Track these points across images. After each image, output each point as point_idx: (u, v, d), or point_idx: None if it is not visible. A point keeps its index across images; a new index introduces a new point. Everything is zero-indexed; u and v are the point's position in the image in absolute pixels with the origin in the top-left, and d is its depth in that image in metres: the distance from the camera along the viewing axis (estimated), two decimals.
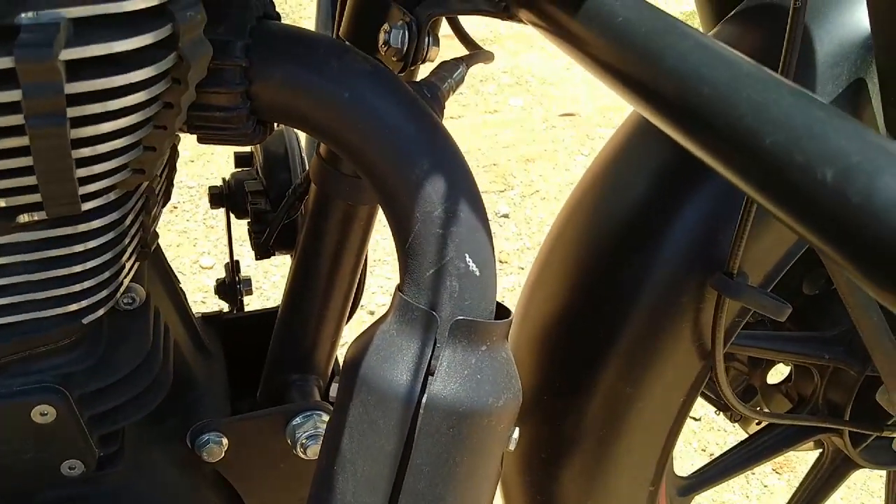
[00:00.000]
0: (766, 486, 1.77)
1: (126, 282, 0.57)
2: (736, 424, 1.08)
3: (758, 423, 1.03)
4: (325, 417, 0.73)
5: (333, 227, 0.73)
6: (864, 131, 0.32)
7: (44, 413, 0.56)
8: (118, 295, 0.57)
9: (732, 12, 0.76)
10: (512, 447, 0.54)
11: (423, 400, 0.48)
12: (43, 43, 0.38)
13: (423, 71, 0.67)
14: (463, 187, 0.51)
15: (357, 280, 0.79)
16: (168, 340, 0.68)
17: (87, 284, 0.52)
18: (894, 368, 0.83)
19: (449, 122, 2.85)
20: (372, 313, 2.09)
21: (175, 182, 0.65)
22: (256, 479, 0.75)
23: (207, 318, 0.86)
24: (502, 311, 0.52)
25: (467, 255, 0.50)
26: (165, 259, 0.72)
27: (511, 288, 2.22)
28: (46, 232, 0.49)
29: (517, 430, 0.54)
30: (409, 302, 0.50)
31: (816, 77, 0.66)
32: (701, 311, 0.71)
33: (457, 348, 0.49)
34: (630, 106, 0.50)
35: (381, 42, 0.60)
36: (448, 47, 0.63)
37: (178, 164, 0.64)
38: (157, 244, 0.66)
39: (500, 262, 2.33)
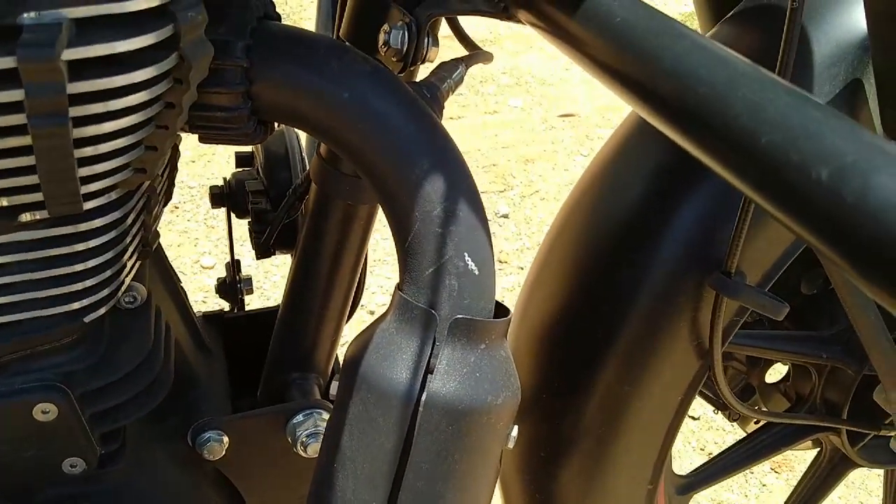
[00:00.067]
0: (764, 485, 1.78)
1: (127, 281, 0.57)
2: (734, 423, 1.08)
3: (756, 422, 1.03)
4: (326, 416, 0.73)
5: (333, 227, 0.73)
6: (860, 131, 0.32)
7: (45, 411, 0.56)
8: (119, 294, 0.57)
9: (730, 13, 0.76)
10: (511, 445, 0.54)
11: (423, 398, 0.49)
12: (45, 43, 0.39)
13: (423, 71, 0.67)
14: (462, 187, 0.51)
15: (357, 279, 0.79)
16: (169, 339, 0.68)
17: (88, 283, 0.53)
18: (892, 367, 0.83)
19: (449, 123, 2.85)
20: (372, 313, 2.10)
21: (176, 182, 0.65)
22: (257, 478, 0.76)
23: (208, 317, 0.87)
24: (501, 310, 0.53)
25: (466, 254, 0.50)
26: (166, 258, 0.73)
27: (510, 288, 2.22)
28: (48, 231, 0.49)
29: (516, 428, 0.54)
30: (409, 300, 0.50)
31: (814, 77, 0.67)
32: (699, 310, 0.72)
33: (456, 347, 0.49)
34: (629, 106, 0.50)
35: (380, 42, 0.60)
36: (447, 48, 0.64)
37: (179, 165, 0.65)
38: (159, 243, 0.67)
39: (500, 262, 2.33)
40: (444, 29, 0.72)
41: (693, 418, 1.91)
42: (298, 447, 0.73)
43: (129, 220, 0.53)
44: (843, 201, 0.30)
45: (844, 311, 0.81)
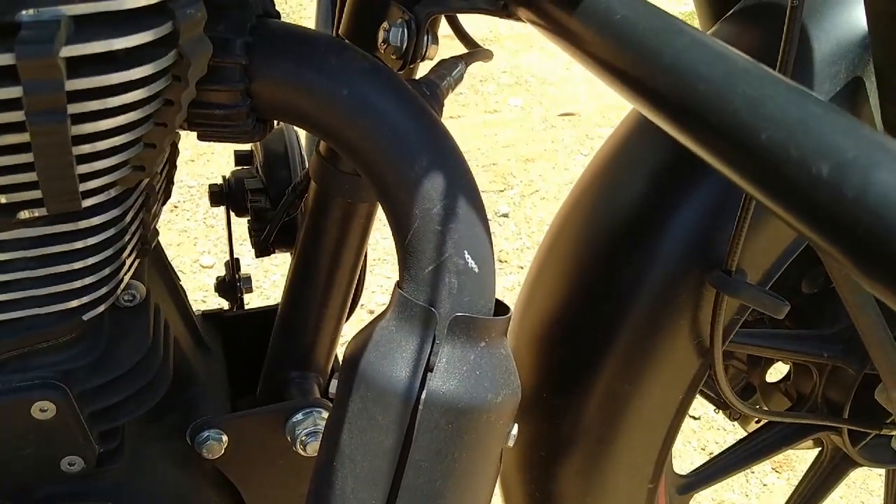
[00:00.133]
0: (765, 485, 1.78)
1: (126, 279, 0.57)
2: (735, 423, 1.08)
3: (757, 422, 1.03)
4: (325, 414, 0.73)
5: (333, 225, 0.73)
6: (860, 127, 0.32)
7: (44, 409, 0.56)
8: (118, 292, 0.57)
9: (731, 11, 0.76)
10: (511, 444, 0.54)
11: (423, 396, 0.49)
12: (44, 40, 0.39)
13: (423, 69, 0.67)
14: (462, 184, 0.51)
15: (357, 278, 0.79)
16: (168, 337, 0.68)
17: (87, 281, 0.52)
18: (893, 366, 0.83)
19: (449, 122, 2.85)
20: (372, 312, 2.10)
21: (175, 181, 0.65)
22: (256, 476, 0.76)
23: (207, 315, 0.87)
24: (501, 308, 0.52)
25: (466, 252, 0.50)
26: (165, 256, 0.73)
27: (511, 287, 2.22)
28: (47, 228, 0.49)
29: (516, 426, 0.54)
30: (408, 298, 0.50)
31: (814, 75, 0.66)
32: (699, 308, 0.72)
33: (456, 345, 0.49)
34: (629, 105, 0.50)
35: (380, 40, 0.60)
36: (447, 47, 0.63)
37: (178, 164, 0.65)
38: (158, 242, 0.67)
39: (500, 261, 2.33)
40: (444, 28, 0.72)
41: (694, 418, 1.91)
42: (298, 446, 0.72)
43: (128, 218, 0.53)
44: (844, 197, 0.30)
45: (845, 310, 0.81)
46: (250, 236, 0.87)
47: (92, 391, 0.59)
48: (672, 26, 0.41)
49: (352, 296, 0.80)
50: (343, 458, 0.51)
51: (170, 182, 0.64)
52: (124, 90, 0.43)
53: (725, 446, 1.19)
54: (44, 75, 0.39)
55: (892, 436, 0.98)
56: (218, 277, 0.97)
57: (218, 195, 0.91)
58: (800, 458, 1.81)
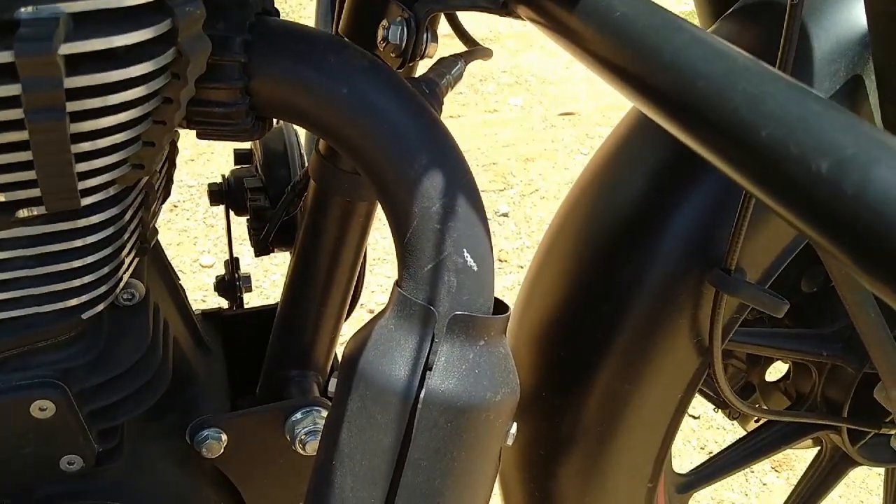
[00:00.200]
0: (764, 484, 1.77)
1: (125, 277, 0.57)
2: (734, 422, 1.08)
3: (756, 421, 1.03)
4: (324, 413, 0.73)
5: (332, 224, 0.73)
6: (859, 123, 0.32)
7: (43, 408, 0.56)
8: (118, 290, 0.57)
9: (730, 10, 0.76)
10: (510, 442, 0.54)
11: (421, 395, 0.49)
12: (42, 37, 0.39)
13: (422, 67, 0.67)
14: (461, 183, 0.51)
15: (356, 276, 0.79)
16: (167, 336, 0.68)
17: (86, 280, 0.52)
18: (892, 365, 0.83)
19: (448, 122, 2.85)
20: (371, 311, 2.09)
21: (175, 180, 0.65)
22: (256, 475, 0.75)
23: (207, 314, 0.87)
24: (500, 307, 0.52)
25: (465, 251, 0.50)
26: (165, 255, 0.73)
27: (510, 287, 2.22)
28: (46, 227, 0.49)
29: (515, 425, 0.54)
30: (407, 297, 0.50)
31: (814, 74, 0.66)
32: (699, 307, 0.72)
33: (455, 343, 0.49)
34: (629, 104, 0.50)
35: (379, 38, 0.60)
36: (446, 46, 0.63)
37: (178, 163, 0.64)
38: (157, 240, 0.66)
39: (500, 260, 2.33)
40: (443, 27, 0.72)
41: (693, 417, 1.91)
42: (297, 445, 0.72)
43: (127, 217, 0.53)
44: (843, 194, 0.30)
45: (845, 309, 0.81)
46: (249, 235, 0.87)
47: (91, 390, 0.59)
48: (672, 23, 0.41)
49: (351, 295, 0.80)
50: (342, 456, 0.51)
51: (169, 181, 0.64)
52: (123, 88, 0.43)
53: (725, 445, 1.19)
54: (42, 73, 0.39)
55: (892, 435, 0.98)
56: (217, 277, 0.97)
57: (217, 194, 0.91)
58: (799, 458, 1.81)
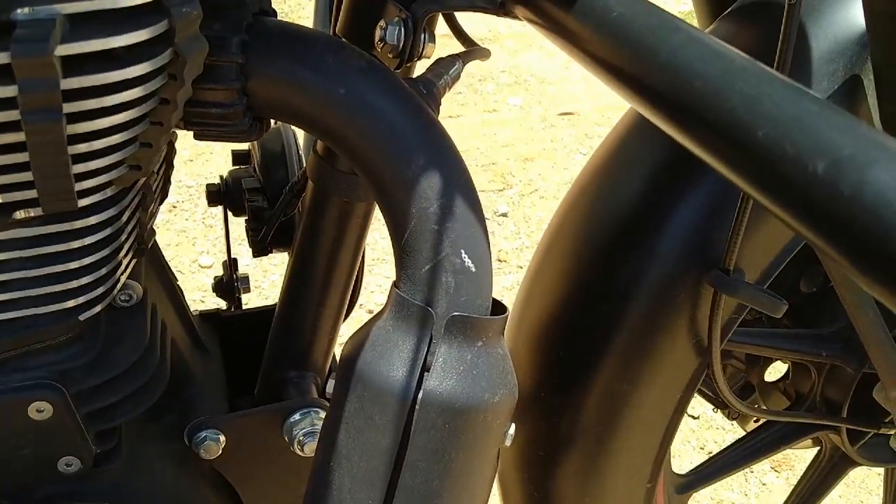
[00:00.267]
0: (764, 484, 1.77)
1: (123, 278, 0.57)
2: (734, 422, 1.08)
3: (755, 421, 1.03)
4: (323, 414, 0.73)
5: (330, 225, 0.73)
6: (856, 124, 0.32)
7: (40, 410, 0.56)
8: (115, 292, 0.57)
9: (728, 10, 0.76)
10: (508, 443, 0.54)
11: (419, 396, 0.49)
12: (38, 38, 0.39)
13: (420, 68, 0.67)
14: (459, 184, 0.51)
15: (354, 277, 0.79)
16: (165, 337, 0.68)
17: (83, 281, 0.52)
18: (891, 365, 0.83)
19: (448, 121, 2.85)
20: (371, 312, 2.09)
21: (174, 181, 0.65)
22: (254, 476, 0.75)
23: (205, 315, 0.87)
24: (498, 308, 0.52)
25: (463, 252, 0.50)
26: (163, 256, 0.73)
27: (510, 287, 2.22)
28: (43, 228, 0.49)
29: (513, 425, 0.54)
30: (405, 298, 0.50)
31: (812, 74, 0.66)
32: (697, 307, 0.72)
33: (452, 344, 0.49)
34: (628, 104, 0.50)
35: (377, 38, 0.60)
36: (445, 46, 0.63)
37: (177, 163, 0.64)
38: (155, 241, 0.66)
39: (499, 260, 2.33)
40: (442, 26, 0.72)
41: (693, 417, 1.91)
42: (295, 446, 0.72)
43: (125, 218, 0.53)
44: (840, 194, 0.30)
45: (844, 309, 0.81)
46: (248, 236, 0.87)
47: (89, 391, 0.59)
48: (669, 23, 0.41)
49: (350, 295, 0.80)
50: (340, 458, 0.51)
51: (167, 181, 0.64)
52: (120, 89, 0.43)
53: (724, 445, 1.19)
54: (39, 74, 0.39)
55: (891, 435, 0.98)
56: (216, 277, 0.97)
57: (215, 195, 0.91)
58: (799, 458, 1.81)
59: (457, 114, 3.01)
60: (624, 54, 0.43)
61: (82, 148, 0.45)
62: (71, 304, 0.53)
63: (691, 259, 0.70)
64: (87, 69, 0.42)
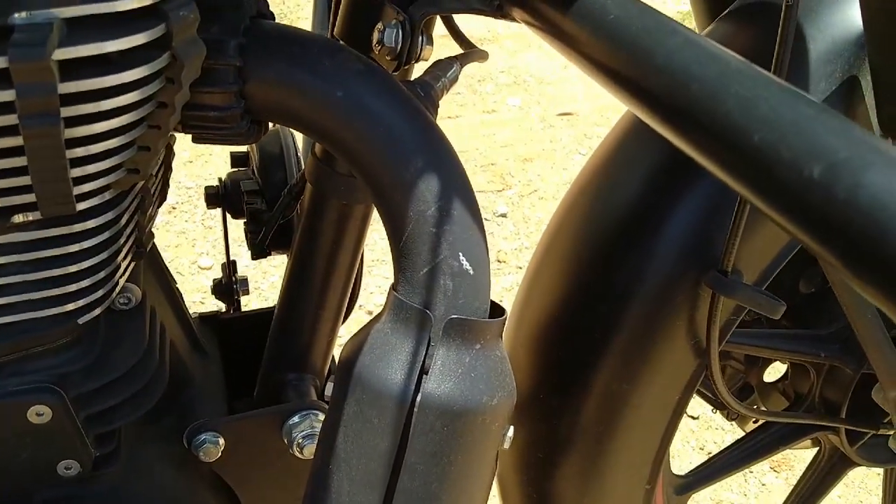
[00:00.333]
0: (763, 485, 1.77)
1: (122, 282, 0.57)
2: (733, 423, 1.08)
3: (754, 422, 1.03)
4: (321, 417, 0.73)
5: (329, 227, 0.73)
6: (851, 127, 0.32)
7: (40, 413, 0.56)
8: (114, 295, 0.57)
9: (726, 11, 0.76)
10: (507, 446, 0.54)
11: (418, 398, 0.49)
12: (36, 43, 0.39)
13: (418, 70, 0.67)
14: (457, 186, 0.51)
15: (353, 279, 0.79)
16: (164, 340, 0.68)
17: (82, 284, 0.52)
18: (890, 366, 0.83)
19: (447, 122, 2.86)
20: (370, 313, 2.09)
21: (173, 182, 0.65)
22: (253, 479, 0.75)
23: (204, 317, 0.87)
24: (496, 310, 0.52)
25: (461, 254, 0.50)
26: (161, 259, 0.73)
27: (509, 287, 2.22)
28: (41, 232, 0.49)
29: (512, 428, 0.54)
30: (403, 301, 0.50)
31: (810, 75, 0.66)
32: (696, 309, 0.72)
33: (451, 347, 0.49)
34: None
35: (374, 41, 0.60)
36: (444, 46, 0.63)
37: (176, 165, 0.64)
38: (153, 244, 0.66)
39: (499, 261, 2.33)
40: (440, 27, 0.72)
41: (692, 417, 1.91)
42: (295, 448, 0.72)
43: (123, 221, 0.53)
44: (835, 198, 0.30)
45: (842, 310, 0.81)
46: (246, 238, 0.87)
47: (88, 395, 0.59)
48: (665, 26, 0.41)
49: (348, 297, 0.80)
50: (339, 461, 0.51)
51: (165, 184, 0.64)
52: (118, 93, 0.43)
53: (724, 446, 1.19)
54: (36, 78, 0.39)
55: (890, 435, 0.98)
56: (214, 280, 0.97)
57: (214, 197, 0.91)
58: (798, 458, 1.81)
59: (456, 114, 3.01)
60: (620, 57, 0.43)
61: (80, 152, 0.45)
62: (70, 307, 0.53)
63: (690, 260, 0.70)
64: (84, 73, 0.42)
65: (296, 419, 0.73)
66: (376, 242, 2.29)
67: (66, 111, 0.42)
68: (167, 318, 0.73)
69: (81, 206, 0.48)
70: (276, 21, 0.55)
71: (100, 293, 0.54)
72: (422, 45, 0.61)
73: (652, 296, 0.72)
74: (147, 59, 0.43)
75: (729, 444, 1.04)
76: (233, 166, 0.95)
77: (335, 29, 0.66)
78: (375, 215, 0.73)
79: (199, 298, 2.09)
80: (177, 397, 0.74)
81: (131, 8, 0.41)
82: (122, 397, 0.61)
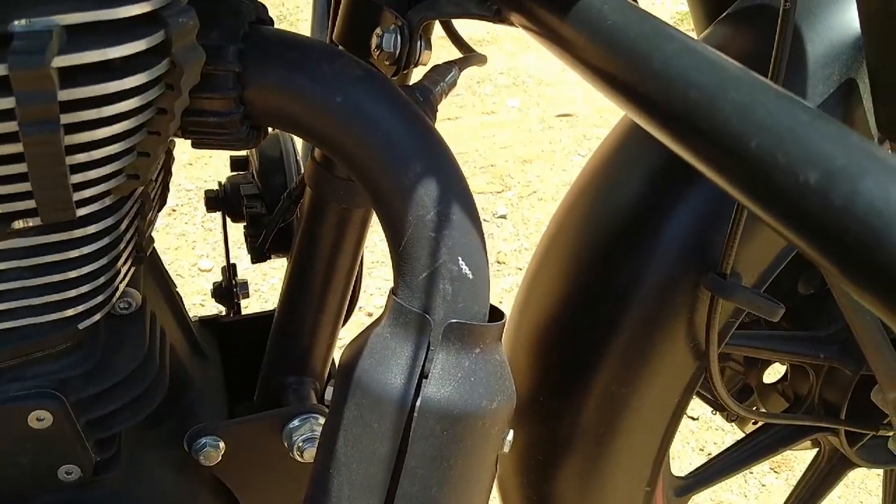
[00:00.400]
0: (764, 485, 1.78)
1: (122, 286, 0.57)
2: (733, 424, 1.08)
3: (754, 423, 1.03)
4: (322, 420, 0.73)
5: (328, 231, 0.73)
6: (848, 134, 0.32)
7: (40, 418, 0.56)
8: (114, 300, 0.57)
9: (724, 13, 0.76)
10: (507, 449, 0.54)
11: (417, 403, 0.49)
12: (36, 50, 0.39)
13: (416, 75, 0.67)
14: (456, 191, 0.51)
15: (353, 282, 0.79)
16: (164, 344, 0.68)
17: (82, 290, 0.52)
18: (889, 368, 0.83)
19: (446, 124, 2.86)
20: (370, 315, 2.09)
21: (173, 185, 0.65)
22: (254, 483, 0.75)
23: (204, 321, 0.87)
24: (496, 314, 0.52)
25: (460, 259, 0.50)
26: (161, 263, 0.73)
27: (509, 289, 2.22)
28: (41, 238, 0.49)
29: (511, 432, 0.54)
30: (403, 305, 0.50)
31: (808, 77, 0.67)
32: (695, 311, 0.72)
33: (450, 351, 0.49)
34: None
35: (373, 46, 0.60)
36: (443, 48, 0.64)
37: (176, 167, 0.64)
38: (153, 248, 0.67)
39: (498, 262, 2.33)
40: (439, 30, 0.72)
41: (692, 418, 1.91)
42: (295, 452, 0.72)
43: (123, 226, 0.53)
44: (832, 205, 0.30)
45: (841, 311, 0.81)
46: (246, 242, 0.87)
47: (88, 400, 0.59)
48: (663, 32, 0.41)
49: (348, 300, 0.80)
50: (339, 465, 0.51)
51: (165, 188, 0.64)
52: (117, 99, 0.43)
53: (724, 446, 1.19)
54: (36, 86, 0.40)
55: (889, 437, 0.98)
56: (214, 283, 0.97)
57: (214, 201, 0.91)
58: (798, 459, 1.81)
59: (455, 116, 3.01)
60: (618, 62, 0.43)
61: (80, 158, 0.45)
62: (70, 312, 0.53)
63: (689, 262, 0.70)
64: (84, 80, 0.42)
65: (296, 423, 0.73)
66: (376, 244, 2.29)
67: (66, 118, 0.42)
68: (167, 322, 0.73)
69: (81, 211, 0.48)
70: (276, 25, 0.55)
71: (100, 298, 0.54)
72: (420, 49, 0.61)
73: (651, 298, 0.73)
74: (147, 65, 0.43)
75: (729, 445, 1.04)
76: (232, 170, 0.95)
77: (334, 34, 0.66)
78: (375, 218, 0.73)
79: (199, 301, 2.09)
80: (177, 401, 0.74)
81: (131, 15, 0.42)
82: (123, 402, 0.61)
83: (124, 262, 0.56)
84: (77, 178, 0.46)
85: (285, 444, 0.73)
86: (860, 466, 1.02)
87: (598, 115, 3.09)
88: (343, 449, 0.51)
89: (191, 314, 0.80)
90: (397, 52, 0.59)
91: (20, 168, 0.44)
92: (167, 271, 0.74)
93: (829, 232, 0.30)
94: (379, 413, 0.49)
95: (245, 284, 0.95)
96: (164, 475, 0.71)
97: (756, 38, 0.71)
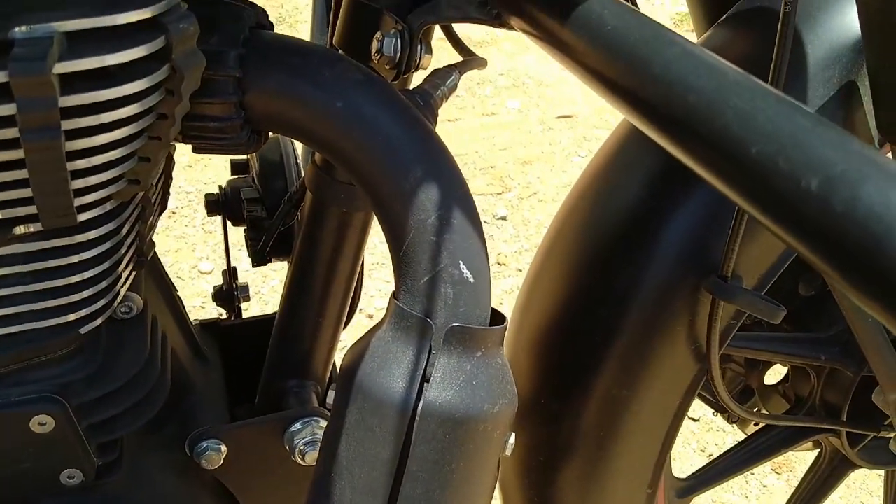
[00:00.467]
0: (765, 486, 1.78)
1: (123, 291, 0.57)
2: (734, 425, 1.08)
3: (756, 424, 1.03)
4: (323, 424, 0.73)
5: (329, 234, 0.73)
6: (849, 140, 0.32)
7: (42, 423, 0.56)
8: (115, 304, 0.57)
9: (724, 16, 0.76)
10: (508, 452, 0.54)
11: (419, 407, 0.49)
12: (36, 57, 0.39)
13: (417, 79, 0.67)
14: (456, 195, 0.51)
15: (354, 286, 0.79)
16: (165, 348, 0.68)
17: (84, 294, 0.53)
18: (890, 369, 0.83)
19: (446, 125, 2.85)
20: (371, 317, 2.09)
21: (173, 187, 0.65)
22: (255, 486, 0.76)
23: (205, 324, 0.87)
24: (497, 318, 0.53)
25: (461, 263, 0.50)
26: (162, 267, 0.73)
27: (509, 290, 2.22)
28: (43, 243, 0.49)
29: (513, 435, 0.54)
30: (404, 309, 0.50)
31: (808, 80, 0.67)
32: (696, 314, 0.72)
33: (452, 355, 0.49)
34: None
35: (373, 50, 0.60)
36: (442, 49, 0.63)
37: (176, 170, 0.65)
38: (154, 252, 0.67)
39: (499, 264, 2.33)
40: (438, 33, 0.72)
41: (693, 420, 1.91)
42: (296, 455, 0.73)
43: (124, 231, 0.53)
44: (833, 210, 0.30)
45: (842, 313, 0.81)
46: (247, 246, 0.87)
47: (90, 404, 0.59)
48: (663, 37, 0.41)
49: (349, 304, 0.80)
50: (341, 469, 0.51)
51: (166, 193, 0.64)
52: (118, 105, 0.44)
53: (725, 448, 1.19)
54: (37, 92, 0.40)
55: (891, 438, 0.98)
56: (215, 287, 0.97)
57: (214, 204, 0.91)
58: (799, 460, 1.81)
59: (455, 117, 3.01)
60: (618, 67, 0.43)
61: (81, 164, 0.45)
62: (72, 317, 0.53)
63: (689, 265, 0.70)
64: (85, 86, 0.42)
65: (297, 426, 0.73)
66: (376, 246, 2.29)
67: (67, 124, 0.42)
68: (168, 326, 0.73)
69: (82, 217, 0.48)
70: (275, 27, 0.55)
71: (101, 303, 0.55)
72: (421, 53, 0.61)
73: (652, 300, 0.73)
74: (147, 71, 0.43)
75: (730, 446, 1.04)
76: (233, 174, 0.95)
77: (334, 38, 0.66)
78: (375, 221, 0.73)
79: (200, 303, 2.09)
80: (178, 405, 0.74)
81: (131, 21, 0.42)
82: (124, 406, 0.61)
83: (125, 267, 0.56)
84: (78, 183, 0.46)
85: (287, 448, 0.73)
86: (861, 467, 1.02)
87: (599, 116, 3.09)
88: (345, 452, 0.51)
89: (191, 316, 0.80)
90: (398, 57, 0.59)
91: (21, 174, 0.44)
92: (168, 275, 0.74)
93: (830, 237, 0.30)
94: (381, 417, 0.49)
95: (246, 288, 0.95)
96: (166, 479, 0.71)
97: (756, 41, 0.71)
